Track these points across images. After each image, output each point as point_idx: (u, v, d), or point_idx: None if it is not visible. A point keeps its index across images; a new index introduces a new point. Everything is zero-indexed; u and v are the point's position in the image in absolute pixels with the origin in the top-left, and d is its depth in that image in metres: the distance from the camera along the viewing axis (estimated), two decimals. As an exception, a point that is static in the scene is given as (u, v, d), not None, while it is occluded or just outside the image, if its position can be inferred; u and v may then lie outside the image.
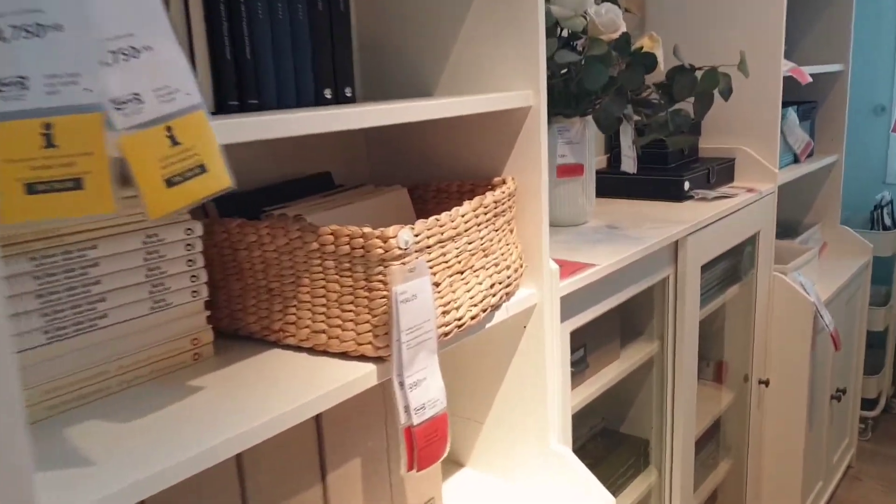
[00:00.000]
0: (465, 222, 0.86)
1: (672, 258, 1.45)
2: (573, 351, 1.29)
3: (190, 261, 0.81)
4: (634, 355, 1.46)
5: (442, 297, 0.82)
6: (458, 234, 0.84)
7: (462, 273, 0.86)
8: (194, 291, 0.82)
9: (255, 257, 0.86)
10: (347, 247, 0.77)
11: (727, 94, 1.21)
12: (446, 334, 0.82)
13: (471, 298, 0.87)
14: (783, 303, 1.96)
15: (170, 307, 0.80)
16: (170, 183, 0.57)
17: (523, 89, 0.98)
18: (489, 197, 0.91)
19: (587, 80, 1.26)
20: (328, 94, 0.91)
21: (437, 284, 0.81)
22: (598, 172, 1.79)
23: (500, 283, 0.94)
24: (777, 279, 1.95)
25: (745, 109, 1.92)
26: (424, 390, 0.78)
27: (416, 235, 0.78)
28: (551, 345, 1.05)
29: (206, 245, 0.89)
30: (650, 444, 1.60)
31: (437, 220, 0.81)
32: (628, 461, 1.56)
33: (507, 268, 0.96)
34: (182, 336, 0.82)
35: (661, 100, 1.26)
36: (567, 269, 1.14)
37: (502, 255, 0.95)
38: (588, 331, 1.32)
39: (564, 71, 1.33)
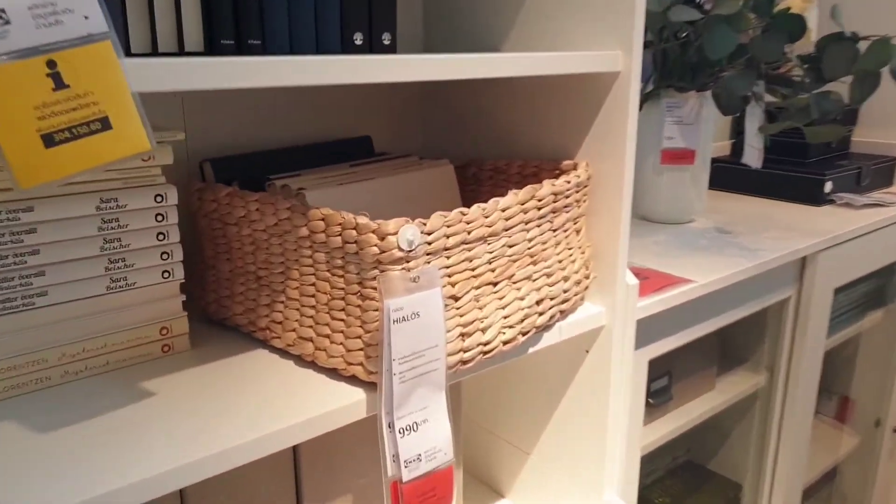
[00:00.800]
0: (507, 219, 0.66)
1: (796, 277, 1.18)
2: (655, 379, 1.06)
3: (161, 234, 0.66)
4: (734, 387, 1.21)
5: (462, 315, 0.63)
6: (493, 234, 0.64)
7: (495, 285, 0.66)
8: (166, 271, 0.68)
9: (245, 236, 0.70)
10: (339, 238, 0.59)
11: (899, 74, 0.92)
12: (465, 362, 0.63)
13: (505, 318, 0.67)
14: (936, 338, 1.61)
15: (132, 288, 0.66)
16: (50, 140, 0.41)
17: (610, 49, 0.75)
18: (546, 187, 0.70)
19: (709, 47, 1.00)
20: (359, 39, 0.73)
21: (455, 298, 0.62)
22: (716, 161, 1.51)
23: (552, 299, 0.73)
24: (932, 309, 1.60)
25: (918, 99, 1.56)
26: (421, 437, 0.60)
27: (430, 234, 0.58)
28: (619, 377, 0.84)
29: (198, 215, 0.74)
30: (743, 489, 1.34)
31: (463, 213, 0.62)
32: (713, 507, 1.32)
33: (565, 279, 0.75)
34: (148, 323, 0.67)
35: (806, 77, 0.99)
36: (653, 283, 0.91)
37: (559, 262, 0.74)
38: (676, 355, 1.09)
39: (683, 34, 1.08)
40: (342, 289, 0.61)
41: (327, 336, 0.63)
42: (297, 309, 0.66)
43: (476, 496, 1.04)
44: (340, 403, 0.60)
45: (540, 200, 0.70)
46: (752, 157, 1.10)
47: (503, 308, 0.67)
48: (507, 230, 0.66)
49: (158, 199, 0.65)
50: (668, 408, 1.10)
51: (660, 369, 1.06)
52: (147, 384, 0.64)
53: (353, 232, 0.58)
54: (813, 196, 1.39)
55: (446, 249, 0.61)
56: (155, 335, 0.68)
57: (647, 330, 0.90)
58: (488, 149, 0.92)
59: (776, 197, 1.44)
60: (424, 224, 0.58)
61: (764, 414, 1.28)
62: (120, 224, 0.64)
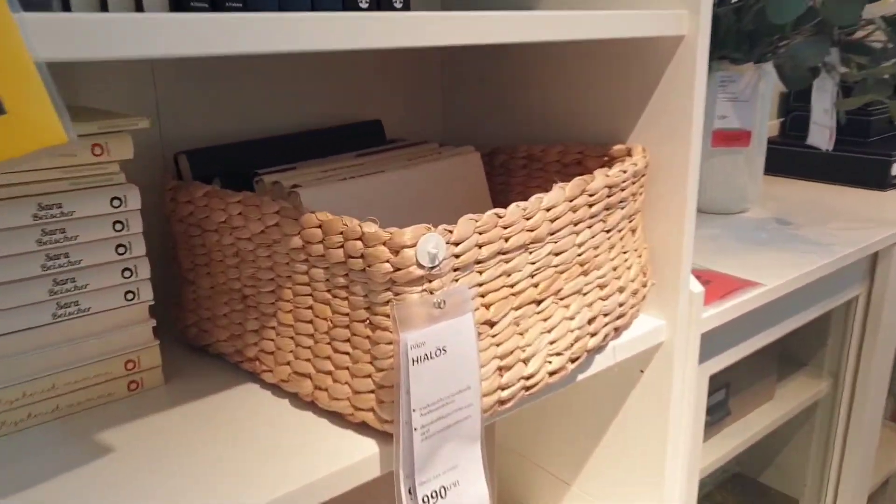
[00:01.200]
0: (552, 220, 0.52)
1: (866, 274, 1.03)
2: (711, 393, 0.92)
3: (121, 246, 0.53)
4: (794, 396, 1.07)
5: (500, 345, 0.49)
6: (536, 241, 0.51)
7: (539, 303, 0.53)
8: (130, 292, 0.55)
9: (227, 246, 0.57)
10: (341, 251, 0.46)
11: None
12: (503, 402, 0.50)
13: (551, 344, 0.53)
14: None
15: (86, 314, 0.53)
16: None
17: (673, 8, 0.61)
18: (599, 179, 0.56)
19: (773, 10, 0.86)
20: (364, 2, 0.59)
21: (491, 324, 0.49)
22: (773, 144, 1.36)
23: (605, 315, 0.60)
24: None
25: None
26: (452, 502, 0.46)
27: (458, 244, 0.45)
28: (679, 399, 0.70)
29: (172, 220, 0.61)
30: (801, 507, 1.21)
31: (499, 215, 0.48)
32: (768, 528, 1.18)
33: (621, 290, 0.61)
34: (110, 356, 0.55)
35: (890, 42, 0.84)
36: (716, 287, 0.77)
37: (614, 270, 0.61)
38: (734, 364, 0.95)
39: (739, -4, 0.93)
40: (346, 314, 0.48)
41: (329, 373, 0.50)
42: (292, 337, 0.53)
43: (508, 530, 0.92)
44: (347, 461, 0.47)
45: (592, 195, 0.56)
46: (821, 137, 0.95)
47: (549, 332, 0.53)
48: (552, 234, 0.53)
49: (116, 203, 0.52)
50: (724, 423, 0.97)
51: (717, 382, 0.92)
52: (105, 434, 0.51)
53: (359, 243, 0.45)
54: (878, 180, 1.24)
55: (478, 263, 0.47)
56: (119, 370, 0.55)
57: (708, 342, 0.76)
58: (521, 132, 0.79)
59: (835, 181, 1.29)
60: (451, 232, 0.45)
61: (826, 423, 1.14)
62: (67, 236, 0.51)
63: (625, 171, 0.60)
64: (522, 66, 0.76)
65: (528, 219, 0.50)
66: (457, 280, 0.46)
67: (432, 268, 0.43)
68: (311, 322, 0.51)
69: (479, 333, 0.48)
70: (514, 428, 0.91)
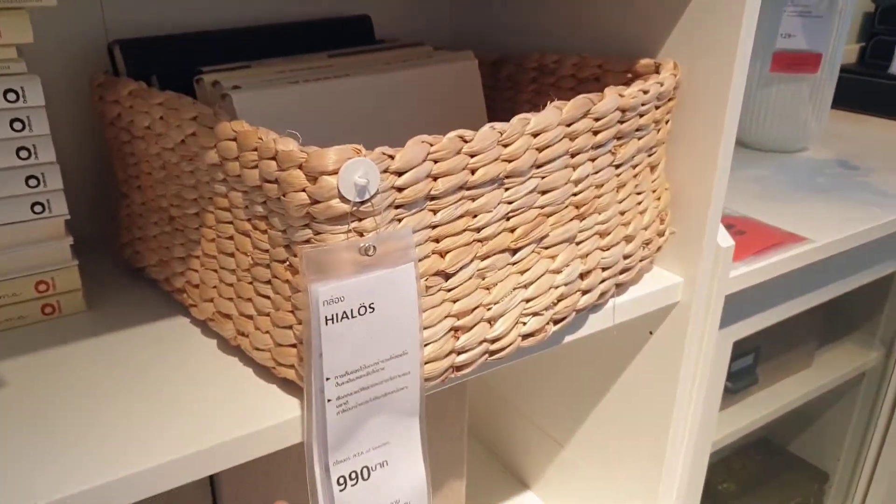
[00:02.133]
0: (540, 148, 0.41)
1: (941, 231, 0.89)
2: (736, 358, 0.82)
3: (24, 150, 0.45)
4: (836, 365, 0.96)
5: (456, 301, 0.40)
6: (515, 174, 0.40)
7: (515, 252, 0.42)
8: (38, 204, 0.46)
9: (153, 156, 0.47)
10: (256, 172, 0.36)
11: None
12: (458, 368, 0.41)
13: (528, 302, 0.43)
14: None
15: (-17, 227, 0.45)
16: None
17: None
18: (610, 99, 0.45)
19: None
20: None
21: (446, 276, 0.39)
22: (846, 72, 1.19)
23: (605, 269, 0.49)
24: None
25: None
26: (376, 488, 0.38)
27: (400, 173, 0.35)
28: (690, 366, 0.60)
29: (104, 122, 0.52)
30: (831, 480, 1.11)
31: (464, 138, 0.37)
32: (792, 498, 1.09)
33: (628, 239, 0.51)
34: (19, 275, 0.47)
35: None
36: (751, 240, 0.65)
37: (621, 214, 0.50)
38: (765, 329, 0.84)
39: None
40: (266, 251, 0.39)
41: (251, 318, 0.42)
42: (216, 271, 0.44)
43: (498, 484, 0.85)
44: (265, 423, 0.39)
45: (598, 120, 0.45)
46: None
47: (526, 287, 0.43)
48: (539, 167, 0.42)
49: (11, 96, 0.43)
50: (751, 391, 0.86)
51: (744, 346, 0.81)
52: (9, 364, 0.44)
53: (273, 163, 0.35)
54: (966, 122, 1.07)
55: (432, 199, 0.37)
56: (29, 292, 0.48)
57: (735, 303, 0.65)
58: (537, 40, 0.66)
59: (914, 121, 1.12)
60: (391, 157, 0.34)
61: (871, 397, 1.02)
62: (-49, 132, 0.42)
63: (645, 92, 0.48)
64: (544, -40, 0.63)
65: (506, 144, 0.39)
66: (399, 220, 0.36)
67: (361, 203, 0.33)
68: (232, 255, 0.42)
69: (430, 287, 0.38)
70: (508, 377, 0.82)
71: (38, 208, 0.46)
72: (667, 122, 0.53)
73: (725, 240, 0.56)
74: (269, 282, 0.39)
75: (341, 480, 0.37)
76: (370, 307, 0.34)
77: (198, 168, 0.42)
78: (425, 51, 0.64)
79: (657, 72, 0.52)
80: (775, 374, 0.89)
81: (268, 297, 0.40)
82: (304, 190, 0.33)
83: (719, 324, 0.62)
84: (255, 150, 0.36)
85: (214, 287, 0.44)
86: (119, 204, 0.54)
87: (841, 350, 0.99)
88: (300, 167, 0.33)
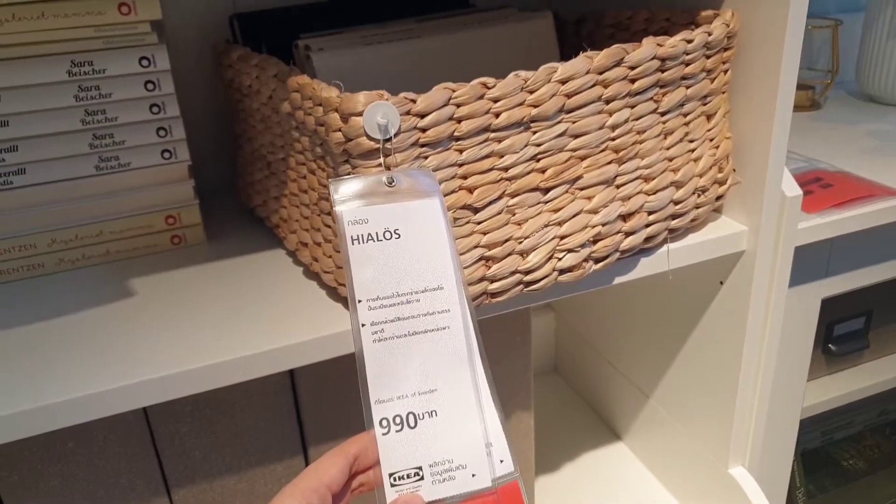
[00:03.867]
0: (568, 95, 0.45)
1: None
2: (845, 320, 0.79)
3: (155, 106, 0.56)
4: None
5: (485, 234, 0.45)
6: (541, 118, 0.44)
7: (547, 192, 0.46)
8: (166, 151, 0.57)
9: (255, 111, 0.56)
10: (312, 118, 0.44)
11: None
12: (493, 294, 0.46)
13: (562, 239, 0.47)
14: None
15: (127, 169, 0.56)
16: None
17: None
18: (647, 47, 0.47)
19: None
20: None
21: (473, 209, 0.44)
22: None
23: (651, 213, 0.52)
24: None
25: None
26: (425, 439, 0.39)
27: (422, 116, 0.40)
28: (759, 320, 0.60)
29: (223, 83, 0.62)
30: (974, 465, 1.02)
31: (486, 84, 0.42)
32: (924, 481, 1.02)
33: (677, 185, 0.52)
34: (151, 210, 0.58)
35: None
36: (837, 192, 0.63)
37: (669, 161, 0.52)
38: (882, 286, 0.80)
39: None
40: (325, 186, 0.46)
41: (319, 245, 0.49)
42: (297, 206, 0.52)
43: (591, 434, 0.88)
44: (329, 331, 0.47)
45: (633, 69, 0.47)
46: None
47: (560, 224, 0.47)
48: (570, 112, 0.45)
49: (144, 62, 0.54)
50: (863, 358, 0.83)
51: (853, 306, 0.78)
52: (141, 279, 0.55)
53: (320, 109, 0.42)
54: None
55: (456, 140, 0.42)
56: (160, 224, 0.59)
57: (820, 258, 0.64)
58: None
59: None
60: (413, 101, 0.40)
61: None
62: (101, 93, 0.54)
63: (689, 41, 0.49)
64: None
65: (531, 91, 0.44)
66: (426, 157, 0.41)
67: (386, 140, 0.39)
68: (307, 192, 0.50)
69: (458, 219, 0.43)
70: (593, 324, 0.85)
71: (166, 154, 0.57)
72: (725, 72, 0.54)
73: (792, 189, 0.56)
74: (329, 213, 0.47)
75: (384, 423, 0.38)
76: (395, 233, 0.40)
77: (282, 118, 0.51)
78: (510, 12, 0.68)
79: (711, 22, 0.53)
80: (894, 341, 0.84)
81: (329, 227, 0.47)
82: (339, 130, 0.40)
83: (792, 279, 0.61)
84: (310, 98, 0.43)
85: (297, 221, 0.53)
86: (235, 154, 0.64)
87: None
88: (336, 110, 0.40)
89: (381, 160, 0.40)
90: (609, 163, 0.48)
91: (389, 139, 0.39)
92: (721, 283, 0.62)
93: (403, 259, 0.40)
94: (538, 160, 0.45)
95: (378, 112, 0.39)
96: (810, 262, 0.63)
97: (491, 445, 0.39)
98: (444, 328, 0.40)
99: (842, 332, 0.78)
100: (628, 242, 0.51)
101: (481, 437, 0.39)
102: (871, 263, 0.68)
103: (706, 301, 0.64)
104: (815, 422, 0.81)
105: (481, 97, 0.42)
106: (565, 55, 0.70)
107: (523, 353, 0.63)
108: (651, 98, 0.49)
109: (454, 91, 0.41)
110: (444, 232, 0.41)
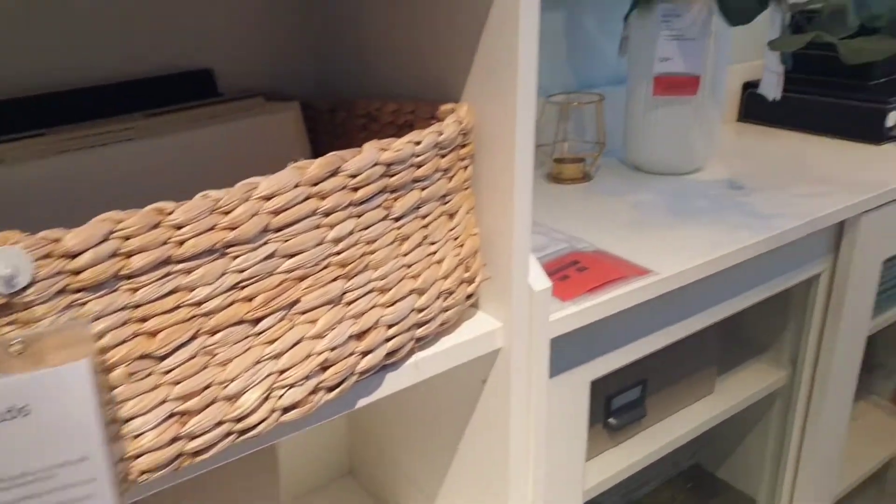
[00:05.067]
0: (276, 211, 0.39)
1: (830, 247, 0.87)
2: (622, 392, 0.79)
3: None
4: (742, 389, 0.93)
5: (179, 383, 0.37)
6: (240, 242, 0.38)
7: (258, 322, 0.40)
8: None
9: None
10: (-65, 262, 0.34)
11: None
12: (195, 453, 0.39)
13: (282, 374, 0.41)
14: None
15: None
16: None
17: (496, -79, 0.46)
18: (368, 153, 0.43)
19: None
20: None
21: (159, 358, 0.37)
22: (750, 85, 1.18)
23: (391, 326, 0.47)
24: None
25: None
26: None
27: (74, 255, 0.33)
28: (521, 419, 0.58)
29: None
30: (756, 504, 1.08)
31: (163, 210, 0.35)
32: (716, 526, 1.06)
33: (419, 292, 0.48)
34: None
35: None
36: (593, 276, 0.63)
37: (408, 268, 0.48)
38: (655, 355, 0.82)
39: None
40: (-32, 340, 0.37)
41: None
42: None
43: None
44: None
45: (354, 177, 0.43)
46: (770, 85, 0.78)
47: (277, 358, 0.41)
48: (278, 230, 0.40)
49: None
50: (641, 426, 0.84)
51: (628, 377, 0.79)
52: None
53: (-64, 254, 0.33)
54: (871, 131, 1.05)
55: (127, 278, 0.35)
56: None
57: (585, 342, 0.63)
58: (370, 83, 0.65)
59: (827, 133, 1.11)
60: (56, 241, 0.32)
61: (782, 417, 1.00)
62: None
63: (418, 143, 0.46)
64: (370, 5, 0.61)
65: (226, 212, 0.37)
66: (83, 304, 0.34)
67: (13, 293, 0.31)
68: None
69: (136, 373, 0.36)
70: (383, 429, 0.80)
71: None
72: (465, 168, 0.52)
73: (540, 282, 0.54)
74: None
75: None
76: (22, 410, 0.32)
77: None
78: (256, 103, 0.62)
79: (441, 119, 0.50)
80: (669, 406, 0.86)
81: None
82: (-43, 282, 0.31)
83: (553, 366, 0.60)
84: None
85: None
86: None
87: (747, 373, 0.96)
88: (-51, 259, 0.31)
89: (15, 316, 0.32)
90: (334, 280, 0.43)
91: (18, 291, 0.31)
92: (483, 381, 0.59)
93: (35, 435, 0.32)
94: (242, 288, 0.39)
95: (6, 260, 0.30)
96: (575, 346, 0.62)
97: None
98: (87, 497, 0.34)
99: (619, 404, 0.79)
100: (366, 362, 0.46)
101: None
102: (637, 338, 0.68)
103: (472, 402, 0.61)
104: (613, 489, 0.81)
105: (156, 226, 0.35)
106: (320, 144, 0.66)
107: (269, 494, 0.55)
108: (380, 205, 0.45)
109: (119, 221, 0.34)
110: (92, 399, 0.33)
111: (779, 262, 0.79)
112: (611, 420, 0.78)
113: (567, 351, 0.61)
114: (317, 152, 0.66)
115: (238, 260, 0.39)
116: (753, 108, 1.18)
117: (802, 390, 0.96)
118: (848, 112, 1.07)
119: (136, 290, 0.35)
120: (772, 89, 0.77)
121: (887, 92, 1.06)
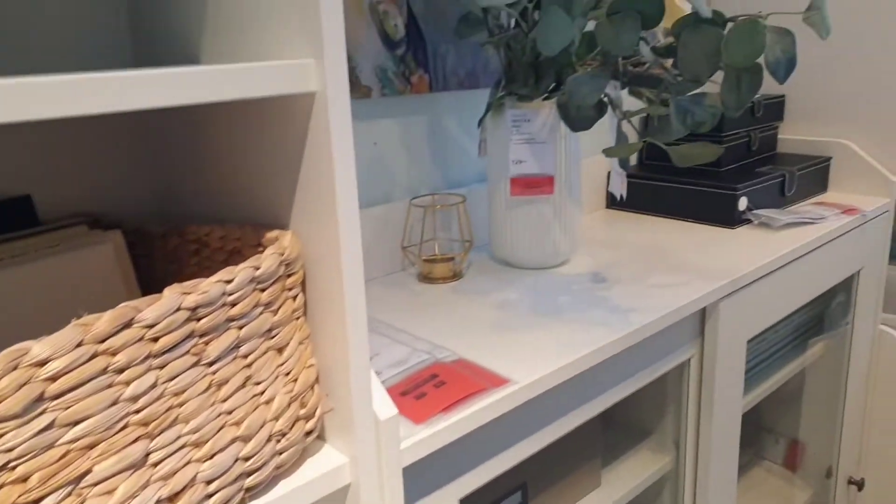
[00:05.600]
0: (54, 377, 0.36)
1: (696, 332, 0.89)
2: (503, 499, 0.76)
3: None
4: (629, 478, 0.92)
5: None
6: (4, 416, 0.34)
7: (37, 503, 0.36)
8: None
9: None
10: None
11: (785, 67, 0.62)
12: None
13: (69, 554, 0.37)
14: (893, 369, 1.34)
15: None
16: None
17: (301, 57, 0.46)
18: (169, 300, 0.40)
19: (541, 40, 0.71)
20: None
21: None
22: (631, 177, 1.22)
23: (210, 482, 0.43)
24: (886, 336, 1.33)
25: (855, 83, 1.29)
26: None
27: None
28: (389, 553, 0.54)
29: None
30: None
31: None
32: None
33: (244, 440, 0.45)
34: None
35: (671, 76, 0.70)
36: (451, 392, 0.61)
37: (228, 414, 0.44)
38: (534, 458, 0.80)
39: (513, 25, 0.79)
40: None
41: None
42: None
43: None
44: None
45: (151, 327, 0.40)
46: (616, 184, 0.81)
47: (64, 538, 0.37)
48: (55, 398, 0.36)
49: None
50: (528, 531, 0.81)
51: (506, 484, 0.76)
52: None
53: None
54: (726, 216, 1.11)
55: None
56: None
57: (455, 457, 0.60)
58: (207, 207, 0.62)
59: (686, 217, 1.16)
60: None
61: (673, 500, 0.99)
62: None
63: (228, 281, 0.44)
64: (204, 128, 0.60)
65: (-12, 387, 0.34)
66: None
67: None
68: None
69: None
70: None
71: None
72: (293, 299, 0.50)
73: (385, 410, 0.52)
74: None
75: None
76: None
77: None
78: (77, 232, 0.59)
79: (265, 248, 0.49)
80: (558, 502, 0.84)
81: None
82: None
83: (411, 493, 0.57)
84: None
85: None
86: None
87: (634, 460, 0.96)
88: None
89: None
90: (135, 441, 0.40)
91: None
92: (338, 517, 0.55)
93: None
94: (13, 469, 0.35)
95: None
96: (437, 467, 0.59)
97: None
98: None
99: (499, 514, 0.76)
100: (182, 526, 0.42)
101: None
102: (507, 447, 0.66)
103: (332, 537, 0.57)
104: None
105: None
106: (155, 271, 0.62)
107: None
108: (188, 352, 0.42)
109: None
110: None
111: (648, 351, 0.80)
112: (492, 533, 0.75)
113: (429, 473, 0.59)
114: (151, 279, 0.63)
115: (4, 438, 0.34)
116: (631, 196, 1.23)
117: (688, 472, 0.96)
118: (703, 198, 1.13)
119: None
120: (618, 188, 0.80)
121: (736, 179, 1.13)
